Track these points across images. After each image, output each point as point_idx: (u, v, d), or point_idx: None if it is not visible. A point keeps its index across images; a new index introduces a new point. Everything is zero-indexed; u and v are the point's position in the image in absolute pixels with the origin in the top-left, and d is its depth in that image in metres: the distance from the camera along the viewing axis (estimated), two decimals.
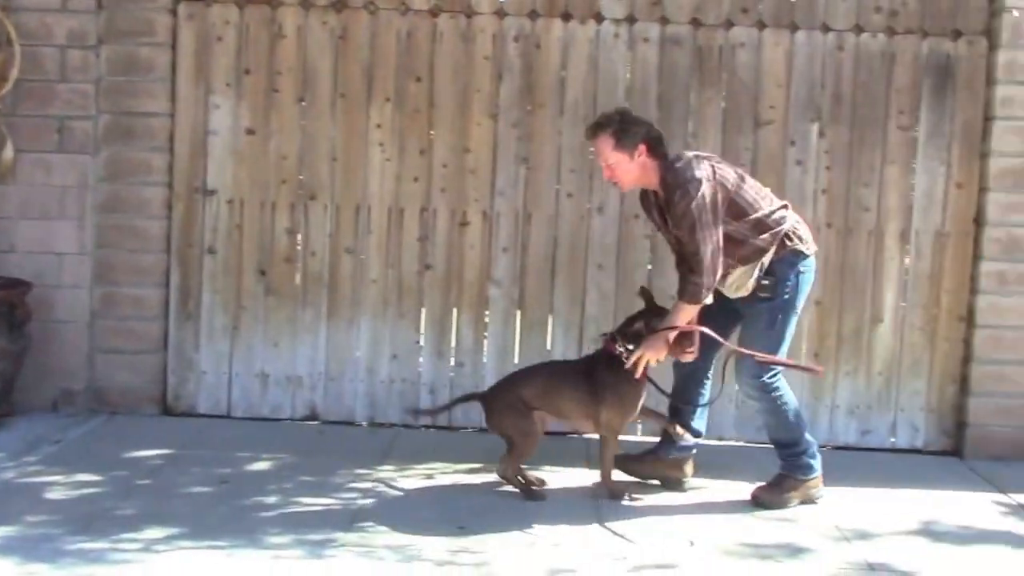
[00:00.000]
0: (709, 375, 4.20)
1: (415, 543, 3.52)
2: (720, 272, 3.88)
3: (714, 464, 4.47)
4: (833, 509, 4.06)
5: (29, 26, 4.72)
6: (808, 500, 4.11)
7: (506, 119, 4.82)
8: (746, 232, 3.90)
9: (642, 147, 3.90)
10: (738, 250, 3.92)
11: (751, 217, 3.90)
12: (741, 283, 3.98)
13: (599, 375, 4.01)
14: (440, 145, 4.84)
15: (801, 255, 3.99)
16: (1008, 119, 4.70)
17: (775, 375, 4.03)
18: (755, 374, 4.00)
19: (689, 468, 4.25)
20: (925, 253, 4.83)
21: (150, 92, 4.80)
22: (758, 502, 4.07)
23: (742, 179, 3.97)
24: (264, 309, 4.89)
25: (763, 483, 4.13)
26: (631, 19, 4.78)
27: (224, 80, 4.82)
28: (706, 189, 3.81)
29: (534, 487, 4.05)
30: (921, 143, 4.80)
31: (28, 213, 4.78)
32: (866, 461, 4.77)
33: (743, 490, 4.18)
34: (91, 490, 3.88)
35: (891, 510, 4.11)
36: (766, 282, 3.96)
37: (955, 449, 4.88)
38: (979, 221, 4.79)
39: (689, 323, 3.93)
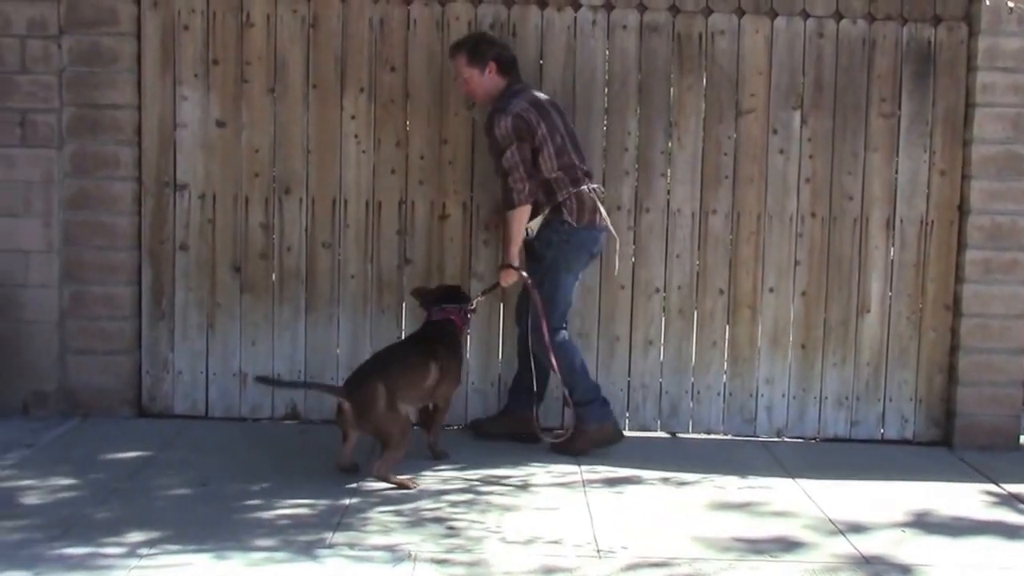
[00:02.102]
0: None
1: (406, 542, 3.64)
2: (527, 185, 4.49)
3: (701, 458, 4.71)
4: (825, 502, 4.21)
5: None
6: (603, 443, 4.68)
7: (484, 109, 4.91)
8: (534, 186, 4.52)
9: (492, 64, 4.59)
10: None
11: (544, 177, 4.52)
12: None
13: (439, 350, 4.47)
14: (417, 136, 4.98)
15: (567, 224, 4.55)
16: (989, 106, 4.94)
17: (537, 341, 4.57)
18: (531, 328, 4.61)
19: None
20: (910, 241, 5.06)
21: (115, 83, 4.89)
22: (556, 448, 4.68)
23: (551, 139, 4.53)
24: (240, 306, 5.02)
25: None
26: (609, 6, 4.95)
27: (192, 70, 4.93)
28: (510, 120, 4.47)
29: (409, 485, 4.22)
30: (903, 130, 5.03)
31: None
32: (856, 453, 4.98)
33: (730, 484, 4.38)
34: (68, 494, 3.97)
35: (883, 502, 4.26)
36: (536, 244, 4.56)
37: (945, 439, 5.11)
38: (963, 209, 5.02)
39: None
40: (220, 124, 4.97)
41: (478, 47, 4.60)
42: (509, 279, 4.60)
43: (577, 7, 4.96)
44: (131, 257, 4.97)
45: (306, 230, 5.01)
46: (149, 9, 4.92)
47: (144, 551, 3.50)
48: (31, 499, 3.93)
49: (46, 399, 4.96)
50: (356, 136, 4.98)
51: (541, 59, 4.98)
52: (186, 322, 5.02)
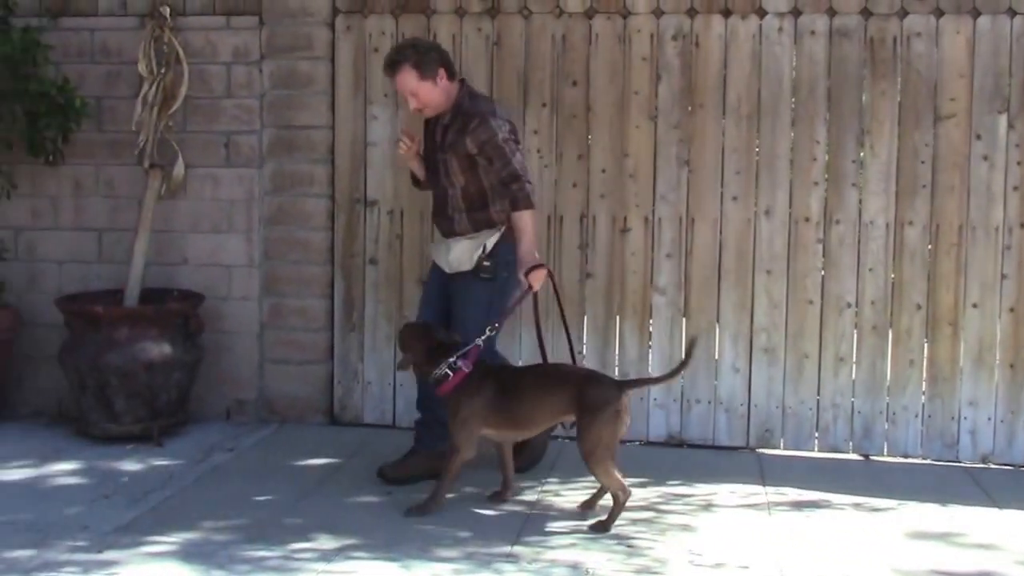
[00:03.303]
0: None
1: (586, 559, 3.52)
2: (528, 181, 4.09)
3: (896, 483, 4.38)
4: None
5: (196, 45, 4.97)
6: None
7: (666, 121, 4.79)
8: (496, 193, 4.09)
9: (441, 71, 4.10)
10: (479, 211, 4.11)
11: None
12: (465, 257, 4.12)
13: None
14: (598, 150, 4.84)
15: None
16: None
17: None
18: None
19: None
20: None
21: (310, 105, 4.97)
22: (383, 475, 4.18)
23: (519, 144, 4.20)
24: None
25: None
26: (796, 12, 4.68)
27: (382, 91, 4.95)
28: (508, 125, 4.10)
29: None
30: None
31: (199, 227, 5.05)
32: None
33: (929, 512, 4.05)
34: (264, 498, 4.05)
35: None
36: (487, 263, 4.08)
37: None
38: None
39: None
40: None
41: (425, 58, 4.09)
42: (541, 279, 4.08)
43: (762, 14, 4.71)
44: (324, 271, 5.04)
45: None
46: (342, 33, 4.98)
47: (333, 557, 3.50)
48: (229, 501, 4.02)
49: (246, 406, 5.09)
50: (538, 151, 4.88)
51: (724, 68, 4.75)
52: (375, 334, 5.04)
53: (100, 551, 3.52)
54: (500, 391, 3.92)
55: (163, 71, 4.91)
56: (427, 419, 4.26)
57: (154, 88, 4.90)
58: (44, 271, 5.17)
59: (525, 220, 4.06)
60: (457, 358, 3.91)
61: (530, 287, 4.06)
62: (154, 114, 4.90)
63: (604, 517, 3.81)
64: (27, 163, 5.03)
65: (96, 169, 5.13)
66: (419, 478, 4.15)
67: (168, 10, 4.92)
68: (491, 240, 4.11)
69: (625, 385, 3.97)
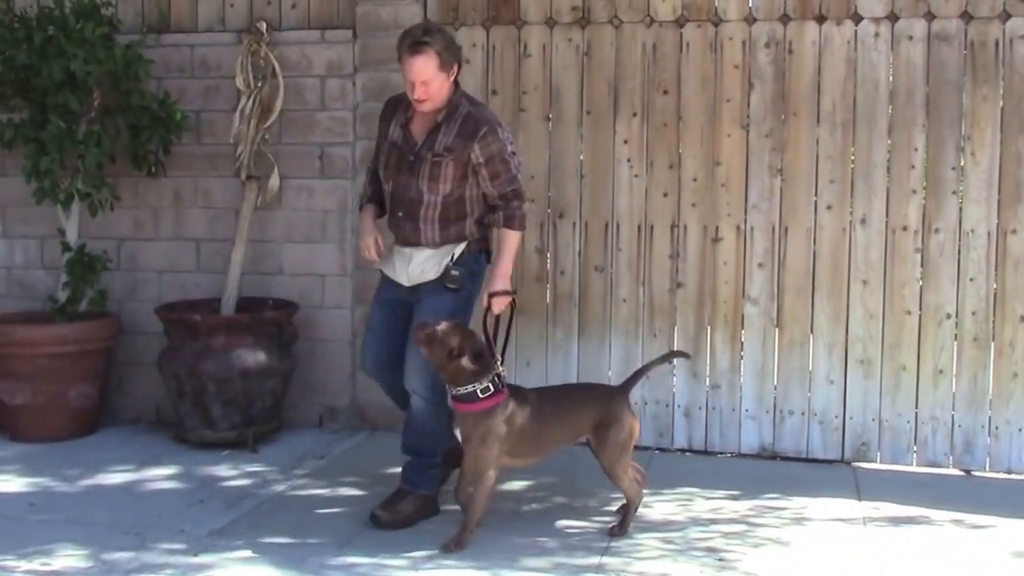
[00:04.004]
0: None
1: (675, 572, 3.46)
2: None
3: (999, 499, 4.21)
4: None
5: (291, 59, 5.03)
6: (430, 514, 3.95)
7: (758, 129, 4.69)
8: (478, 205, 3.90)
9: (455, 68, 3.81)
10: (453, 224, 3.87)
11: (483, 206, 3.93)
12: (431, 265, 3.88)
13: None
14: (689, 159, 4.76)
15: (488, 255, 4.00)
16: None
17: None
18: (432, 372, 3.80)
19: None
20: None
21: None
22: (377, 521, 3.83)
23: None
24: (515, 328, 4.88)
25: (383, 500, 3.94)
26: (893, 16, 4.54)
27: None
28: (507, 133, 3.90)
29: None
30: None
31: (293, 237, 5.11)
32: None
33: None
34: (354, 506, 4.05)
35: None
36: (455, 273, 3.86)
37: None
38: None
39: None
40: None
41: (451, 48, 3.74)
42: (503, 307, 3.90)
43: (858, 20, 4.58)
44: None
45: (579, 254, 4.89)
46: None
47: (422, 564, 3.49)
48: (321, 508, 4.05)
49: (338, 414, 5.13)
50: (628, 160, 4.82)
51: (819, 75, 4.63)
52: None
53: (196, 554, 3.57)
54: (527, 417, 3.77)
55: (260, 85, 4.98)
56: (416, 463, 4.01)
57: (251, 101, 4.98)
58: (144, 280, 5.30)
59: (513, 241, 3.90)
60: (499, 380, 3.73)
61: (489, 308, 3.88)
62: (251, 127, 4.98)
63: (621, 520, 3.85)
64: (130, 175, 5.15)
65: (195, 181, 5.23)
66: (415, 521, 3.90)
67: (265, 25, 5.01)
68: (458, 248, 3.89)
69: (627, 390, 3.93)
